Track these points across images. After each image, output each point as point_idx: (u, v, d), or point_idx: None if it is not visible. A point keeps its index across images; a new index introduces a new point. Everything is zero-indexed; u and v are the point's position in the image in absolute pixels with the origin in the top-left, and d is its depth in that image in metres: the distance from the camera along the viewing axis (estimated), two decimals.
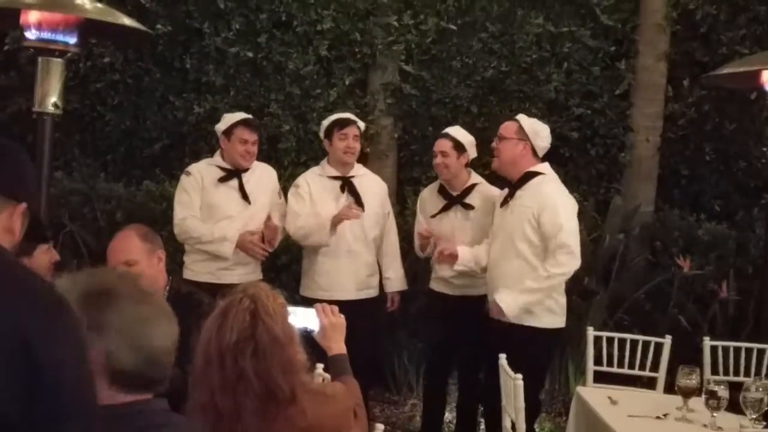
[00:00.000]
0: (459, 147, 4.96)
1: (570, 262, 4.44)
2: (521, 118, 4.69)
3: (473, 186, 5.05)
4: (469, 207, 4.99)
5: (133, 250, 3.40)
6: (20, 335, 1.43)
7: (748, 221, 6.77)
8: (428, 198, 5.21)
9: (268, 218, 4.93)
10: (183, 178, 5.03)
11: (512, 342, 4.30)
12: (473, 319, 4.93)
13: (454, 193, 5.03)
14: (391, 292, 5.23)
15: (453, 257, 4.76)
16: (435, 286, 5.14)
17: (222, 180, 4.94)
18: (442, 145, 4.98)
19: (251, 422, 2.31)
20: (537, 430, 5.18)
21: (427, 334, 5.59)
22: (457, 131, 5.08)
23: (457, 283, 5.00)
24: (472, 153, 5.06)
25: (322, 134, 5.16)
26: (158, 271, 3.45)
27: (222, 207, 4.90)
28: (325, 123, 5.14)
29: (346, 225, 4.91)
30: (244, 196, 4.94)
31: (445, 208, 5.03)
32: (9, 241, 1.70)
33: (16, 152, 1.79)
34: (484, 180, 5.14)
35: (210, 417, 2.29)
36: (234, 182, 4.95)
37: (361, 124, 5.20)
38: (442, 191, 5.09)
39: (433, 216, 5.07)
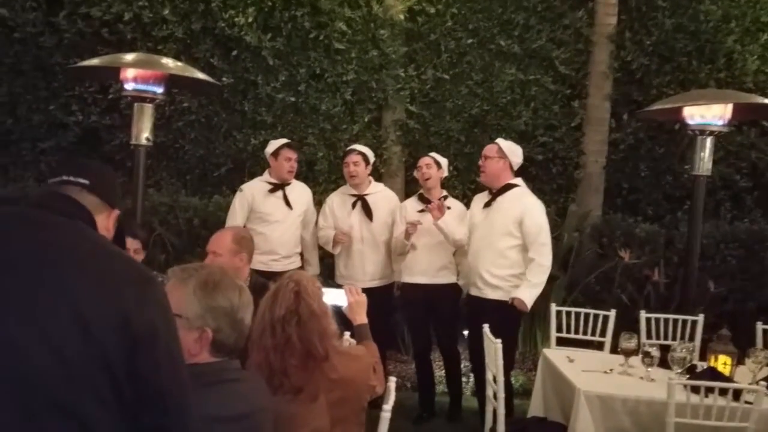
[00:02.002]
0: (437, 164, 4.97)
1: (550, 252, 4.46)
2: (500, 141, 4.68)
3: (445, 197, 5.01)
4: (447, 208, 4.89)
5: (222, 246, 3.49)
6: (120, 305, 1.44)
7: (674, 222, 6.75)
8: (408, 204, 5.09)
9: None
10: (237, 194, 5.07)
11: (488, 313, 4.29)
12: (446, 301, 4.90)
13: (432, 200, 4.95)
14: (397, 281, 5.14)
15: (442, 212, 4.68)
16: (409, 279, 4.96)
17: (271, 191, 4.96)
18: (426, 160, 4.98)
19: (295, 375, 2.33)
20: (513, 381, 5.13)
21: (409, 320, 5.44)
22: (436, 155, 5.08)
23: (429, 273, 4.90)
24: (445, 171, 5.05)
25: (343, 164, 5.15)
26: (240, 268, 3.48)
27: (272, 213, 4.92)
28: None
29: (357, 232, 4.95)
30: (288, 204, 4.96)
31: (425, 209, 4.93)
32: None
33: (112, 172, 1.83)
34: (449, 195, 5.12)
35: (265, 371, 2.32)
36: (279, 193, 4.96)
37: (364, 150, 5.06)
38: (422, 198, 5.01)
39: (419, 212, 4.92)
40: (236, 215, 4.97)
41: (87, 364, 1.40)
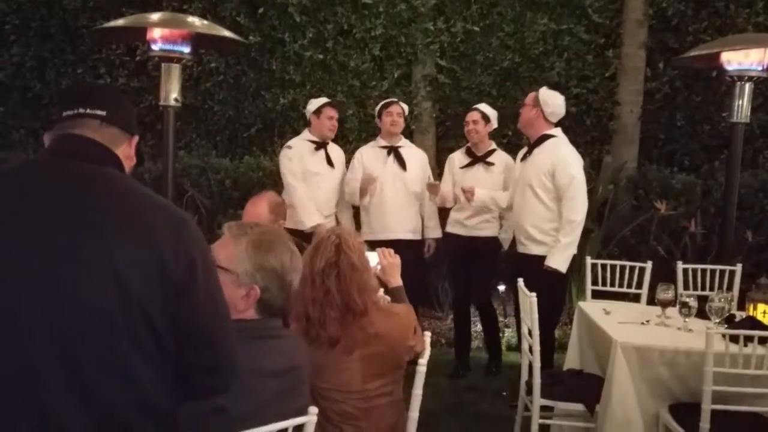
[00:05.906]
0: (485, 118, 4.98)
1: (582, 206, 4.41)
2: (542, 89, 4.61)
3: (493, 150, 5.06)
4: (490, 164, 5.00)
5: (261, 218, 3.53)
6: (156, 253, 1.46)
7: (711, 172, 6.66)
8: (456, 157, 5.18)
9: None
10: (286, 151, 5.04)
11: (534, 269, 4.30)
12: (484, 253, 4.96)
13: (479, 154, 5.03)
14: (428, 238, 5.22)
15: (471, 194, 4.75)
16: (450, 228, 5.12)
17: (316, 149, 5.01)
18: (473, 115, 5.00)
19: (333, 327, 2.38)
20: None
21: (449, 269, 5.54)
22: (485, 107, 5.08)
23: (469, 225, 5.00)
24: (494, 124, 5.06)
25: (376, 116, 5.22)
26: None
27: (318, 172, 4.98)
28: (378, 107, 5.23)
29: (390, 182, 4.99)
30: (330, 162, 5.03)
31: (471, 164, 5.03)
32: (129, 165, 1.70)
33: (125, 98, 1.79)
34: (498, 148, 5.15)
35: (302, 323, 2.37)
36: (322, 152, 5.02)
37: (404, 106, 5.20)
38: (468, 152, 5.09)
39: (462, 167, 5.05)
40: (295, 170, 4.94)
41: (127, 321, 1.43)
